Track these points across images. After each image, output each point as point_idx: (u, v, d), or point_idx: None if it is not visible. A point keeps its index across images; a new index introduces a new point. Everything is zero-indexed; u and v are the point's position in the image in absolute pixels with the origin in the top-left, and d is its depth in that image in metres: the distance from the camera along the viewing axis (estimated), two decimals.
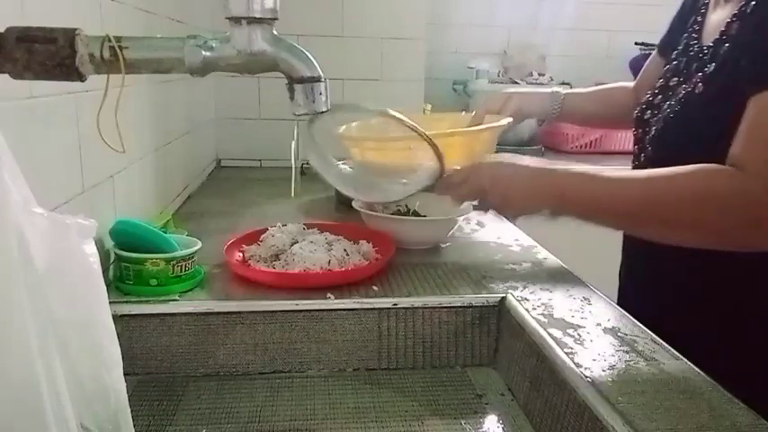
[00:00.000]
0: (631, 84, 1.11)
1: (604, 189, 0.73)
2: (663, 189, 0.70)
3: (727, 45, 0.73)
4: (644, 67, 1.05)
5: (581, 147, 2.10)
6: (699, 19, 0.85)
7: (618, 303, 0.79)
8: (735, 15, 0.73)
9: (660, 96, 0.85)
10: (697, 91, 0.76)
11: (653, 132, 0.83)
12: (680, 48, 0.87)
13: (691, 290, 0.78)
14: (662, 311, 0.79)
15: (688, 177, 0.69)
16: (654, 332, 0.70)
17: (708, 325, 0.76)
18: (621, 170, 0.75)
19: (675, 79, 0.83)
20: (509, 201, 0.80)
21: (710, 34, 0.80)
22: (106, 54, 0.52)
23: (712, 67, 0.74)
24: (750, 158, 0.65)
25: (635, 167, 0.89)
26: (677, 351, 0.66)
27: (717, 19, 0.80)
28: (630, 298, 0.90)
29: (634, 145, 0.91)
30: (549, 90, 1.15)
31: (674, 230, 0.71)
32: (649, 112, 0.87)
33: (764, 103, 0.65)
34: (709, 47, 0.78)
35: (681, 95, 0.79)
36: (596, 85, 2.37)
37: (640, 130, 0.88)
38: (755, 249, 0.68)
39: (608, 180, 0.73)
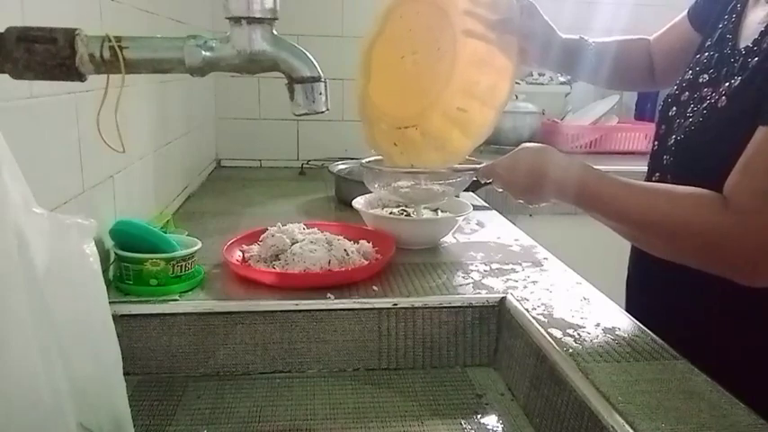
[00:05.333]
0: (649, 37, 1.04)
1: (608, 192, 0.74)
2: (659, 209, 0.70)
3: (756, 59, 0.69)
4: (667, 28, 0.98)
5: (581, 147, 2.10)
6: (738, 7, 0.79)
7: (626, 302, 0.79)
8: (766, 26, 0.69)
9: (687, 93, 0.81)
10: (720, 105, 0.72)
11: (673, 140, 0.79)
12: (714, 38, 0.81)
13: (693, 290, 0.78)
14: (667, 311, 0.79)
15: (679, 202, 0.69)
16: (655, 332, 0.70)
17: (709, 325, 0.76)
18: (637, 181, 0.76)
19: (704, 77, 0.79)
20: (540, 196, 0.82)
21: (746, 35, 0.75)
22: (106, 54, 0.52)
23: (738, 81, 0.71)
24: (736, 193, 0.65)
25: (652, 165, 0.86)
26: (677, 351, 0.66)
27: (755, 19, 0.75)
28: (636, 298, 0.90)
29: (654, 140, 0.88)
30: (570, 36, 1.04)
31: (661, 252, 0.74)
32: (675, 109, 0.83)
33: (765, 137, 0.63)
34: (740, 53, 0.74)
35: (704, 105, 0.75)
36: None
37: (663, 127, 0.85)
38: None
39: (618, 183, 0.74)
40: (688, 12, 0.93)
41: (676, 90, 0.84)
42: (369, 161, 1.05)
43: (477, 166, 0.94)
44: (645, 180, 0.86)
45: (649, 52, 1.02)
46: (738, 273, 0.67)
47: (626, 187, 0.73)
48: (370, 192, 1.08)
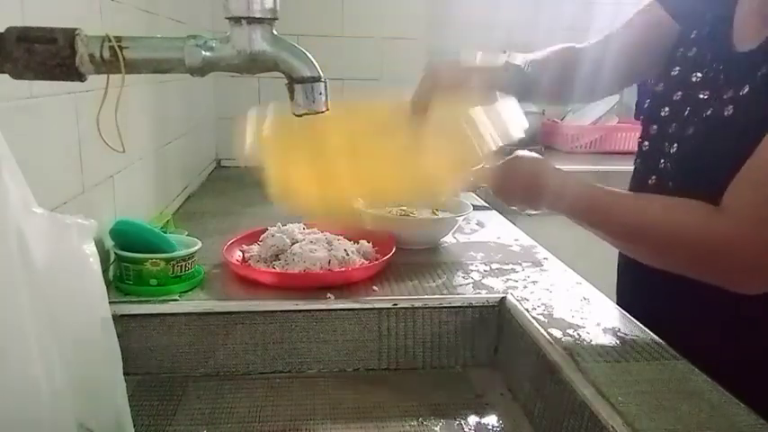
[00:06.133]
0: (580, 45, 0.94)
1: (604, 201, 0.74)
2: (653, 219, 0.71)
3: (765, 68, 0.67)
4: (629, 24, 0.90)
5: (581, 147, 2.11)
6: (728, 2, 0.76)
7: (616, 302, 0.79)
8: None
9: (680, 93, 0.78)
10: (726, 113, 0.69)
11: (676, 149, 0.77)
12: (704, 33, 0.78)
13: (688, 288, 0.78)
14: (659, 310, 0.79)
15: (673, 211, 0.69)
16: (653, 331, 0.70)
17: (707, 324, 0.76)
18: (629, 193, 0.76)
19: (697, 75, 0.76)
20: (534, 206, 0.81)
21: (744, 36, 0.73)
22: (106, 54, 0.52)
23: (746, 90, 0.68)
24: (736, 201, 0.65)
25: (646, 167, 0.84)
26: (677, 351, 0.66)
27: (752, 20, 0.72)
28: (627, 296, 0.90)
29: (644, 139, 0.85)
30: (502, 63, 0.92)
31: (656, 262, 0.75)
32: (668, 109, 0.80)
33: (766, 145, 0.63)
34: (743, 57, 0.71)
35: (707, 113, 0.73)
36: None
37: (655, 127, 0.82)
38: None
39: (612, 194, 0.74)
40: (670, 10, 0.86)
41: (663, 87, 0.82)
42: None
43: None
44: (639, 181, 0.84)
45: (602, 46, 0.93)
46: (732, 282, 0.68)
47: (620, 197, 0.73)
48: None
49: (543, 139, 2.19)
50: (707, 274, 0.69)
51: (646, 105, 0.86)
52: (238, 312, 0.77)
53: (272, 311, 0.77)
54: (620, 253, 0.93)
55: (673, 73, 0.81)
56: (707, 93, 0.75)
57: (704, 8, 0.81)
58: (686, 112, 0.77)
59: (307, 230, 0.96)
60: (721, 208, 0.66)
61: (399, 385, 0.76)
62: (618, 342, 0.67)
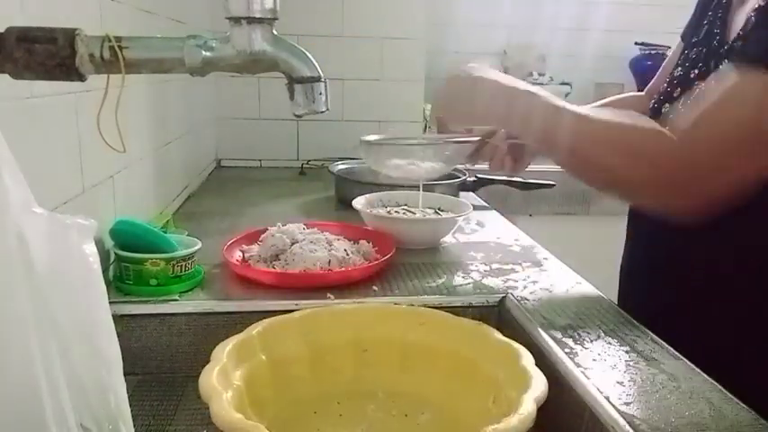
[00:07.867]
0: (639, 93, 1.06)
1: (554, 117, 0.73)
2: (599, 119, 0.72)
3: (740, 42, 0.71)
4: (668, 59, 0.97)
5: None
6: (724, 1, 0.80)
7: (618, 303, 0.79)
8: (754, 10, 0.70)
9: (679, 90, 0.81)
10: None
11: None
12: (701, 36, 0.82)
13: (691, 289, 0.78)
14: (662, 311, 0.79)
15: (620, 115, 0.72)
16: (653, 332, 0.70)
17: (707, 324, 0.76)
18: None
19: (695, 72, 0.79)
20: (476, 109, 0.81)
21: (735, 30, 0.76)
22: (106, 54, 0.52)
23: None
24: (674, 119, 0.69)
25: None
26: (677, 351, 0.66)
27: (743, 12, 0.76)
28: (630, 297, 0.90)
29: None
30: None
31: (601, 174, 0.74)
32: (667, 105, 0.83)
33: (720, 76, 0.66)
34: (728, 44, 0.75)
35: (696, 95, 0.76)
36: (596, 85, 2.37)
37: None
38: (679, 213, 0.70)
39: (563, 109, 0.74)
40: (681, 36, 0.93)
41: (667, 87, 0.84)
42: (367, 139, 1.04)
43: (473, 138, 0.93)
44: None
45: (647, 96, 1.00)
46: (659, 189, 0.69)
47: (565, 112, 0.73)
48: (369, 193, 1.08)
49: None
50: (634, 174, 0.70)
51: (650, 106, 0.87)
52: (238, 312, 0.76)
53: (272, 311, 0.77)
54: (623, 258, 0.93)
55: (675, 73, 0.84)
56: (700, 83, 0.77)
57: (702, 15, 0.84)
58: (680, 104, 0.79)
59: (307, 230, 0.96)
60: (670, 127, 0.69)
61: None
62: (618, 342, 0.67)
